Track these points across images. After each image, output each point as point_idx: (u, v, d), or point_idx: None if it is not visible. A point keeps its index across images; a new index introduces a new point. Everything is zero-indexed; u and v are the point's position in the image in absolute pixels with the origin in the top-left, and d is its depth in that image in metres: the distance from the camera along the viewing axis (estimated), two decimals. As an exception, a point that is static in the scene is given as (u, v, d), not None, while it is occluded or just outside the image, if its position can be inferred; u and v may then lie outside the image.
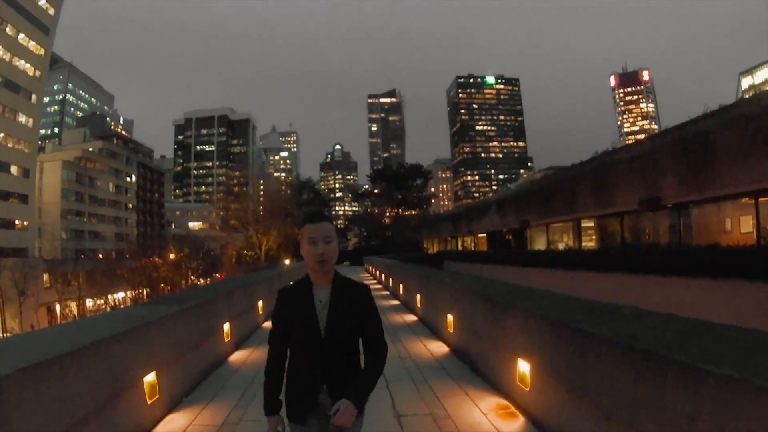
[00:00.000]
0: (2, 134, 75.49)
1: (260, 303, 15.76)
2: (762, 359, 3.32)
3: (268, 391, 3.34)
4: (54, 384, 4.49)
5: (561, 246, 37.42)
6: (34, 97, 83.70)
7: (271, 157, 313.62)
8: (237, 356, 11.09)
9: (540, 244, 40.99)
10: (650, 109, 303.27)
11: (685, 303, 18.19)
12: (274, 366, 3.38)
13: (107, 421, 5.46)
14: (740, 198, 21.48)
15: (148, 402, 6.55)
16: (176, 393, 7.63)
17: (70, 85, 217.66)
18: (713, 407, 3.25)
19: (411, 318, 16.79)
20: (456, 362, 10.16)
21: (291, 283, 3.51)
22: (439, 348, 11.68)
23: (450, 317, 11.64)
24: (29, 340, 5.97)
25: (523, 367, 6.79)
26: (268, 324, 15.54)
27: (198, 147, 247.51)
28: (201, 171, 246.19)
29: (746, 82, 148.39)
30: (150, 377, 6.66)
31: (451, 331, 11.50)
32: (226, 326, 11.13)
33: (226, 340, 11.07)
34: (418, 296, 16.75)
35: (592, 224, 33.71)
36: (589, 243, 34.04)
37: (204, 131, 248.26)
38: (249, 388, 8.20)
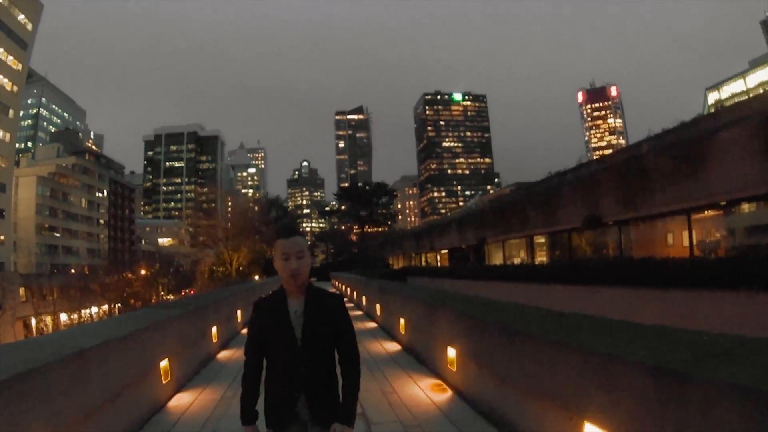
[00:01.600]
0: (-21, 149, 74.06)
1: (239, 312, 17.71)
2: (582, 333, 5.31)
3: (245, 401, 3.43)
4: (112, 358, 6.46)
5: (517, 261, 39.05)
6: (11, 112, 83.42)
7: (240, 174, 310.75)
8: (223, 354, 13.00)
9: (498, 259, 42.58)
10: (618, 124, 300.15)
11: (617, 308, 20.23)
12: (251, 376, 3.46)
13: (140, 390, 7.43)
14: (672, 216, 23.31)
15: (163, 382, 8.44)
16: (182, 377, 9.55)
17: (43, 99, 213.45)
18: (548, 358, 5.37)
19: (372, 325, 18.68)
20: (406, 356, 12.20)
21: (265, 295, 3.61)
22: (393, 347, 13.67)
23: (402, 321, 13.64)
24: (86, 329, 8.09)
25: (452, 353, 8.85)
26: (246, 330, 17.44)
27: (167, 163, 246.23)
28: (170, 187, 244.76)
29: (713, 97, 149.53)
30: (164, 363, 8.56)
31: (403, 332, 13.48)
32: (215, 329, 13.04)
33: (214, 341, 12.99)
34: (378, 306, 18.70)
35: (543, 240, 35.44)
36: (542, 258, 35.76)
37: (173, 147, 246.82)
38: (237, 377, 9.97)
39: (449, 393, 8.70)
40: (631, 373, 4.02)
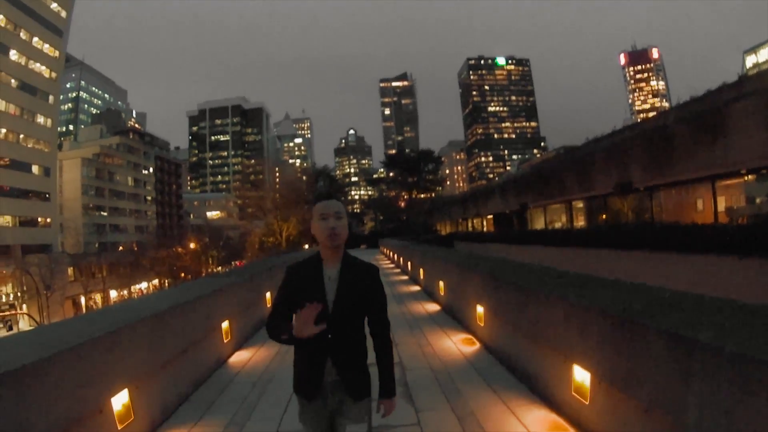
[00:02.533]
0: (22, 135, 76.45)
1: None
2: (569, 288, 6.08)
3: (281, 330, 3.32)
4: (182, 319, 7.71)
5: (558, 225, 39.65)
6: (51, 98, 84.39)
7: (286, 145, 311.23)
8: (276, 318, 14.08)
9: (540, 223, 43.32)
10: (661, 87, 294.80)
11: (645, 270, 20.96)
12: (276, 326, 3.38)
13: (205, 347, 8.63)
14: (697, 183, 23.88)
15: (224, 341, 9.65)
16: (240, 338, 10.75)
17: (82, 82, 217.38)
18: (544, 309, 6.26)
19: (416, 288, 19.85)
20: (444, 316, 13.28)
21: (300, 260, 3.58)
22: (433, 307, 14.78)
23: (441, 283, 14.72)
24: (161, 295, 9.41)
25: (480, 310, 9.91)
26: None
27: (213, 137, 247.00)
28: (216, 161, 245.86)
29: (750, 61, 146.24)
30: (225, 324, 9.76)
31: (442, 293, 14.56)
32: (268, 294, 14.12)
33: (268, 305, 13.89)
34: (421, 270, 19.81)
35: (582, 205, 36.00)
36: (581, 222, 36.36)
37: (218, 121, 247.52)
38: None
39: (477, 345, 9.77)
40: (597, 320, 5.00)
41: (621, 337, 4.56)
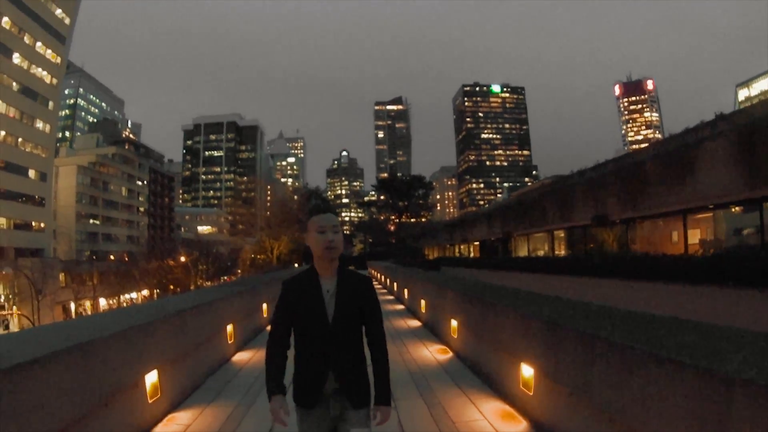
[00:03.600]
0: (21, 139, 76.70)
1: (283, 293, 20.18)
2: (519, 302, 7.24)
3: (272, 375, 3.44)
4: (199, 318, 8.96)
5: (541, 253, 40.78)
6: (51, 104, 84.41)
7: (279, 163, 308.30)
8: (271, 327, 15.35)
9: (523, 251, 44.42)
10: (654, 118, 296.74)
11: (616, 297, 22.07)
12: (276, 352, 3.49)
13: (214, 344, 9.91)
14: (668, 216, 25.15)
15: (229, 342, 10.93)
16: (241, 340, 12.05)
17: (81, 90, 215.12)
18: (500, 318, 7.54)
19: (400, 307, 21.09)
20: (424, 330, 14.58)
21: (295, 275, 3.59)
22: (415, 323, 16.16)
23: (423, 302, 16.00)
24: (181, 298, 10.70)
25: (454, 323, 11.19)
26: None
27: (206, 152, 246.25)
28: (209, 176, 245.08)
29: (743, 94, 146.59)
30: (230, 327, 11.05)
31: (423, 311, 15.84)
32: (265, 305, 15.50)
33: (264, 315, 15.40)
34: (405, 290, 21.03)
35: (563, 235, 37.20)
36: (562, 251, 37.51)
37: (212, 137, 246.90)
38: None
39: (450, 354, 11.05)
40: (535, 325, 6.29)
41: (551, 337, 5.75)
